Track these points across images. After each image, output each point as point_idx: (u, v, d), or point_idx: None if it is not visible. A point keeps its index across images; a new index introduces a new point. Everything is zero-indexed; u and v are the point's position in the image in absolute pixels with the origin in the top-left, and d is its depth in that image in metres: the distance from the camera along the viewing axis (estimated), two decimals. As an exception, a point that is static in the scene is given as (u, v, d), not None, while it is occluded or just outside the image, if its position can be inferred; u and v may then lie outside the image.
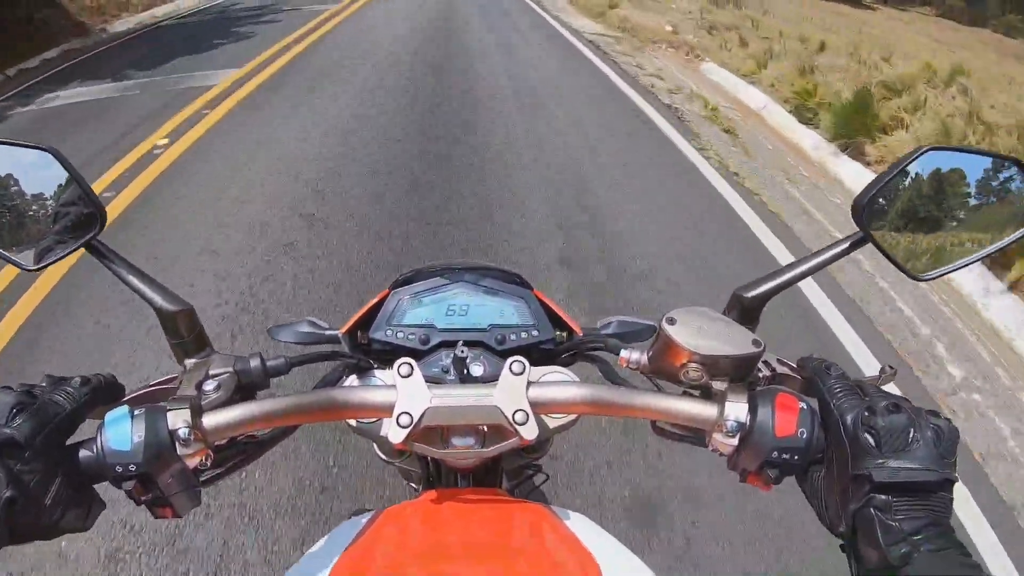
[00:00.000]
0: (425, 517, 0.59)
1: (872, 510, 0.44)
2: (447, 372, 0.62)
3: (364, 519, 0.62)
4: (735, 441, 0.51)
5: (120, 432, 0.48)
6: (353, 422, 0.59)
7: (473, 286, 0.69)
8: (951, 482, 0.45)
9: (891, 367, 0.58)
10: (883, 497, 0.44)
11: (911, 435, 0.45)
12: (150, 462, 0.48)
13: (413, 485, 0.82)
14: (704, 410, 0.52)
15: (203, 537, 1.75)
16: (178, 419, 0.49)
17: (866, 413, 0.47)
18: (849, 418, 0.47)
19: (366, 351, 0.68)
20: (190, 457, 0.50)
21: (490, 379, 0.61)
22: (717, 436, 0.52)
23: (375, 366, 0.63)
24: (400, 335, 0.66)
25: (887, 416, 0.46)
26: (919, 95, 5.25)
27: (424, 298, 0.68)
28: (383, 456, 0.70)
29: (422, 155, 4.40)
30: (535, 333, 0.67)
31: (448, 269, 0.70)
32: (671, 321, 0.53)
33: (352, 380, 0.61)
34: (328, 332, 0.71)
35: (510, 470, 0.77)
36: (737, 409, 0.51)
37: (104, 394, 0.54)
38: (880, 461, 0.44)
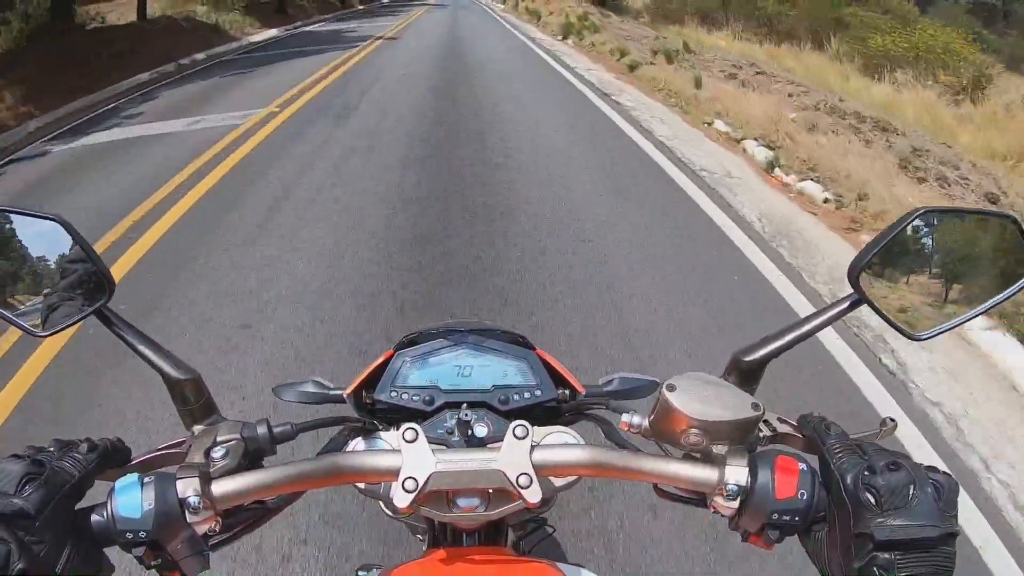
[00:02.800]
0: None
1: (876, 569, 0.45)
2: (452, 434, 0.62)
3: None
4: (736, 504, 0.52)
5: (130, 499, 0.49)
6: (360, 484, 0.60)
7: (476, 347, 0.69)
8: (953, 536, 0.45)
9: (891, 419, 0.58)
10: (886, 555, 0.44)
11: (911, 492, 0.46)
12: (160, 529, 0.49)
13: (420, 537, 0.83)
14: (705, 474, 0.53)
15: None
16: (188, 487, 0.50)
17: (866, 472, 0.47)
18: (849, 477, 0.48)
19: (371, 411, 0.68)
20: (199, 524, 0.51)
21: (494, 440, 0.61)
22: (718, 499, 0.52)
23: (380, 428, 0.63)
24: (405, 396, 0.66)
25: (887, 474, 0.46)
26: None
27: (428, 359, 0.69)
28: (389, 513, 0.70)
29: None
30: (538, 393, 0.67)
31: (451, 331, 0.71)
32: (671, 388, 0.54)
33: (358, 443, 0.62)
34: (333, 392, 0.71)
35: (515, 524, 0.77)
36: (737, 473, 0.51)
37: (112, 458, 0.54)
38: (881, 519, 0.45)
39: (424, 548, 0.74)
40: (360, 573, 0.78)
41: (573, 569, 0.64)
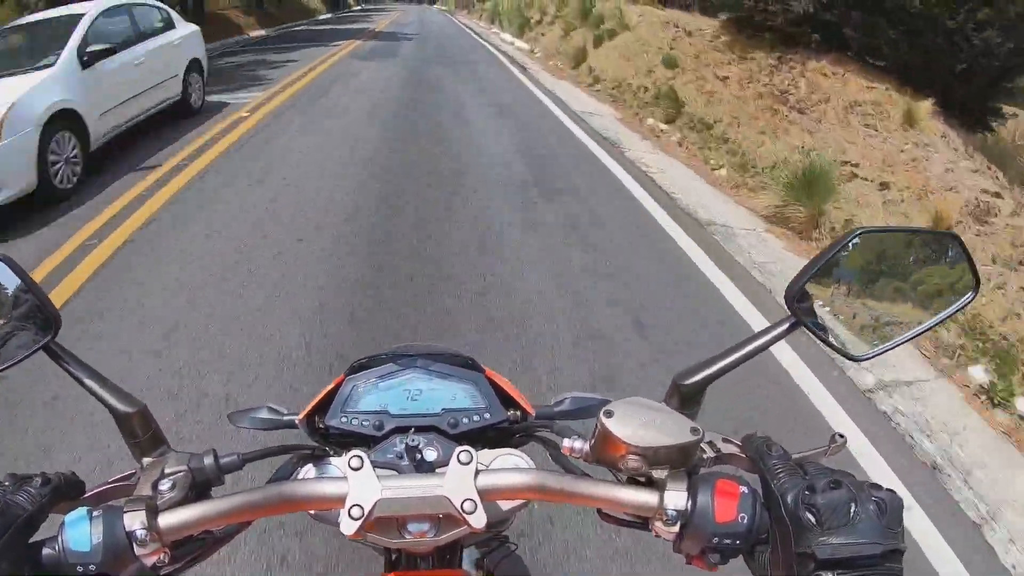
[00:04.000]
0: None
1: None
2: (401, 458, 0.63)
3: None
4: (676, 528, 0.52)
5: (80, 533, 0.50)
6: (311, 511, 0.60)
7: (425, 371, 0.70)
8: (899, 552, 0.45)
9: (841, 435, 0.58)
10: (828, 574, 0.45)
11: (852, 510, 0.46)
12: (109, 562, 0.50)
13: (380, 553, 0.83)
14: (644, 499, 0.53)
15: None
16: (135, 520, 0.51)
17: (806, 492, 0.47)
18: (790, 497, 0.48)
19: (325, 436, 0.69)
20: (147, 556, 0.51)
21: (444, 464, 0.61)
22: (659, 524, 0.53)
23: (331, 453, 0.64)
24: (355, 421, 0.67)
25: (827, 493, 0.47)
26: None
27: (378, 384, 0.69)
28: (346, 534, 0.71)
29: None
30: (487, 416, 0.67)
31: (401, 356, 0.71)
32: (608, 414, 0.54)
33: (308, 469, 0.62)
34: (286, 418, 0.72)
35: (476, 543, 0.78)
36: (676, 498, 0.52)
37: (65, 492, 0.55)
38: (822, 538, 0.45)
39: (380, 571, 0.74)
40: None
41: None
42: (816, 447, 0.58)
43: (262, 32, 19.94)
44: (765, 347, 0.58)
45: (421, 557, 0.66)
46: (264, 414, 0.73)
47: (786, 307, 0.57)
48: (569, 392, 0.75)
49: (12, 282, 0.58)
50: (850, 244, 0.56)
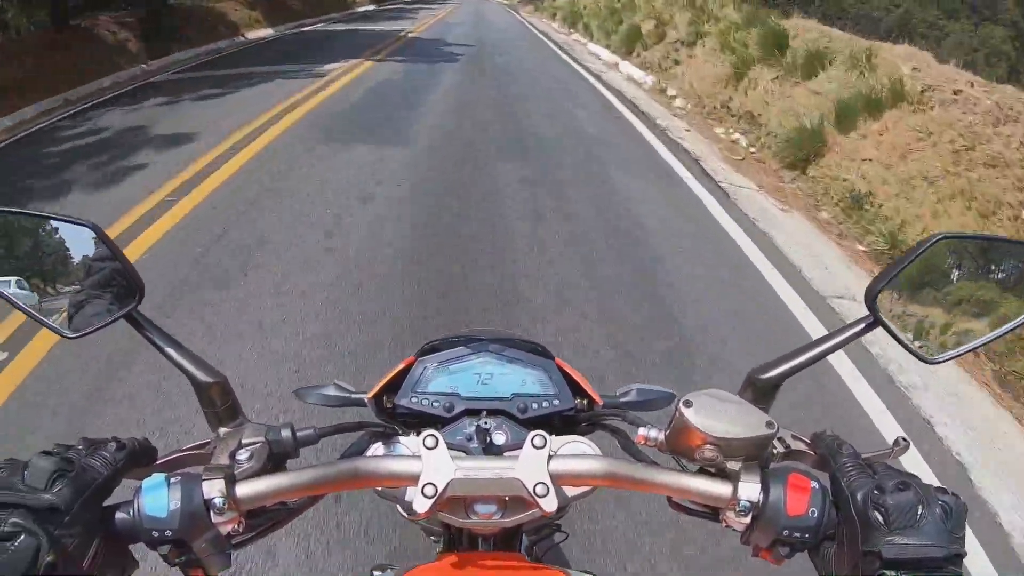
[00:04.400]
0: None
1: None
2: (470, 440, 0.64)
3: None
4: (747, 520, 0.53)
5: (157, 499, 0.51)
6: (379, 487, 0.61)
7: (497, 356, 0.70)
8: (960, 557, 0.46)
9: (904, 439, 0.59)
10: (892, 573, 0.46)
11: (919, 512, 0.47)
12: (185, 529, 0.50)
13: (434, 539, 0.84)
14: (718, 489, 0.54)
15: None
16: (213, 488, 0.51)
17: (875, 491, 0.48)
18: (859, 496, 0.49)
19: (391, 415, 0.70)
20: (223, 524, 0.52)
21: (512, 448, 0.62)
22: (730, 514, 0.54)
23: (401, 432, 0.65)
24: (425, 402, 0.67)
25: (896, 494, 0.48)
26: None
27: (449, 366, 0.70)
28: (405, 515, 0.72)
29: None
30: (556, 402, 0.68)
31: (473, 339, 0.72)
32: (687, 404, 0.55)
33: (377, 447, 0.63)
34: (355, 396, 0.72)
35: (530, 529, 0.79)
36: (749, 489, 0.53)
37: (138, 457, 0.56)
38: (889, 538, 0.46)
39: (438, 551, 0.75)
40: (375, 573, 0.80)
41: None
42: (880, 449, 0.58)
43: (263, 33, 14.57)
44: (841, 345, 0.59)
45: (483, 539, 0.67)
46: (332, 391, 0.74)
47: (865, 307, 0.57)
48: (634, 383, 0.75)
49: (98, 249, 0.59)
50: (930, 248, 0.56)
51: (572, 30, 16.37)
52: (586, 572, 0.66)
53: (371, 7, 25.60)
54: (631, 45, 11.08)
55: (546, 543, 0.86)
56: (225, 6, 14.64)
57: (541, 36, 16.22)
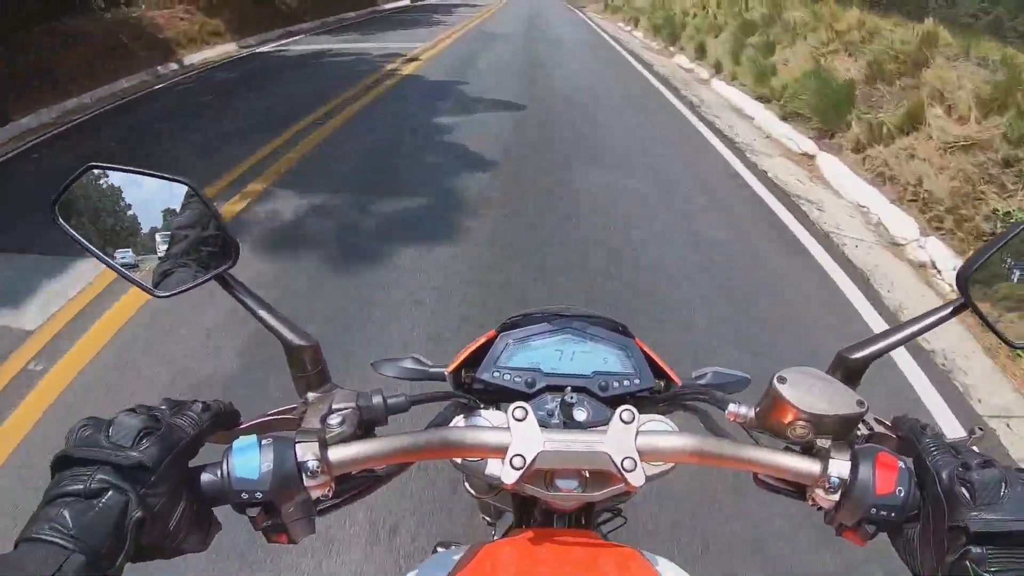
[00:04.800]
0: (522, 555, 0.61)
1: (968, 563, 0.46)
2: (552, 416, 0.64)
3: (455, 555, 0.64)
4: (836, 497, 0.53)
5: (248, 460, 0.50)
6: (458, 459, 0.61)
7: (579, 333, 0.71)
8: None
9: (980, 429, 0.59)
10: (978, 550, 0.46)
11: (1003, 489, 0.47)
12: (276, 491, 0.50)
13: (488, 519, 0.84)
14: (808, 466, 0.54)
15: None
16: (307, 451, 0.51)
17: (961, 468, 0.49)
18: (945, 473, 0.50)
19: (469, 390, 0.70)
20: (315, 488, 0.52)
21: (593, 424, 0.63)
22: (818, 492, 0.54)
23: (482, 406, 0.65)
24: (507, 377, 0.67)
25: (981, 471, 0.48)
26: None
27: (530, 342, 0.70)
28: (472, 491, 0.72)
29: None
30: (636, 381, 0.68)
31: (555, 315, 0.72)
32: (782, 380, 0.55)
33: (459, 420, 0.63)
34: (432, 369, 0.73)
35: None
36: (840, 466, 0.53)
37: (223, 420, 0.55)
38: (975, 513, 0.47)
39: (493, 533, 0.75)
40: (440, 548, 0.79)
41: (653, 558, 0.65)
42: (957, 437, 0.59)
43: (215, 53, 10.53)
44: (931, 327, 0.59)
45: (557, 516, 0.67)
46: (409, 364, 0.74)
47: (956, 289, 0.58)
48: (711, 367, 0.76)
49: (195, 208, 0.59)
50: (1020, 235, 0.57)
51: (662, 42, 12.34)
52: (655, 554, 0.66)
53: (402, 2, 21.58)
54: (826, 116, 5.62)
55: (606, 527, 0.86)
56: (163, 16, 10.62)
57: (629, 58, 11.08)
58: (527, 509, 0.71)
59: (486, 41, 12.71)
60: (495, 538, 0.71)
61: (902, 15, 7.32)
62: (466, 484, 0.71)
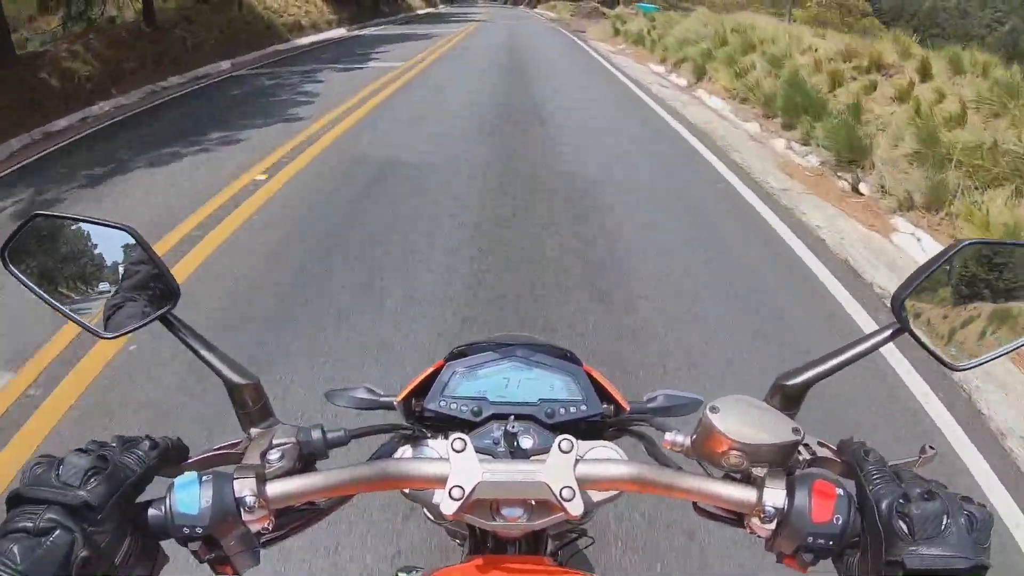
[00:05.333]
0: None
1: None
2: (498, 444, 0.64)
3: None
4: (772, 526, 0.53)
5: (189, 496, 0.51)
6: (407, 489, 0.62)
7: (525, 361, 0.71)
8: (984, 568, 0.46)
9: (931, 447, 0.59)
10: None
11: (944, 522, 0.46)
12: (216, 526, 0.51)
13: (459, 542, 0.85)
14: (743, 495, 0.54)
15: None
16: (244, 487, 0.52)
17: (901, 500, 0.48)
18: (884, 504, 0.49)
19: (420, 419, 0.70)
20: (253, 522, 0.53)
21: (539, 452, 0.63)
22: (755, 520, 0.54)
23: (429, 436, 0.65)
24: (454, 406, 0.68)
25: (921, 503, 0.47)
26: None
27: (477, 371, 0.71)
28: (431, 518, 0.72)
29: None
30: (583, 408, 0.69)
31: (501, 344, 0.73)
32: (714, 410, 0.55)
33: (406, 450, 0.64)
34: (383, 399, 0.73)
35: (555, 534, 0.79)
36: (774, 495, 0.53)
37: (170, 456, 0.57)
38: (913, 548, 0.46)
39: (464, 554, 0.76)
40: (401, 574, 0.80)
41: None
42: (908, 457, 0.58)
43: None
44: (868, 352, 0.59)
45: (509, 542, 0.67)
46: (361, 394, 0.75)
47: (892, 313, 0.57)
48: (662, 389, 0.76)
49: (136, 253, 0.61)
50: (955, 254, 0.56)
51: (679, 74, 10.03)
52: None
53: (338, 32, 18.44)
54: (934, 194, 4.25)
55: (571, 548, 0.87)
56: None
57: (653, 106, 8.31)
58: (481, 535, 0.72)
59: (458, 67, 9.67)
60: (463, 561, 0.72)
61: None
62: (424, 511, 0.72)
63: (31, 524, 0.45)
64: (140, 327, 0.61)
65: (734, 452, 0.55)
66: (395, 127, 6.84)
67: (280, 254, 3.82)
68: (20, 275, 0.60)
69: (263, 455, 0.57)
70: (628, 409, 0.71)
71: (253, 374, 0.61)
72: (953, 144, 4.69)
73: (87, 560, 0.46)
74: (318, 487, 0.55)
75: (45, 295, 0.61)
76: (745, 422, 0.55)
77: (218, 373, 0.61)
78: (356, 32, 19.23)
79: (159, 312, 0.61)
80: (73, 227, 0.61)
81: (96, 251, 0.61)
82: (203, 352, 0.61)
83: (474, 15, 29.64)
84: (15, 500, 0.47)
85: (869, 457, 0.54)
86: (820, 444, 0.60)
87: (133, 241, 0.60)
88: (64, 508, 0.46)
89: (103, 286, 0.62)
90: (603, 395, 0.71)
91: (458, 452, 0.55)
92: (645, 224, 4.36)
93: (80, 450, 0.50)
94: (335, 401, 0.75)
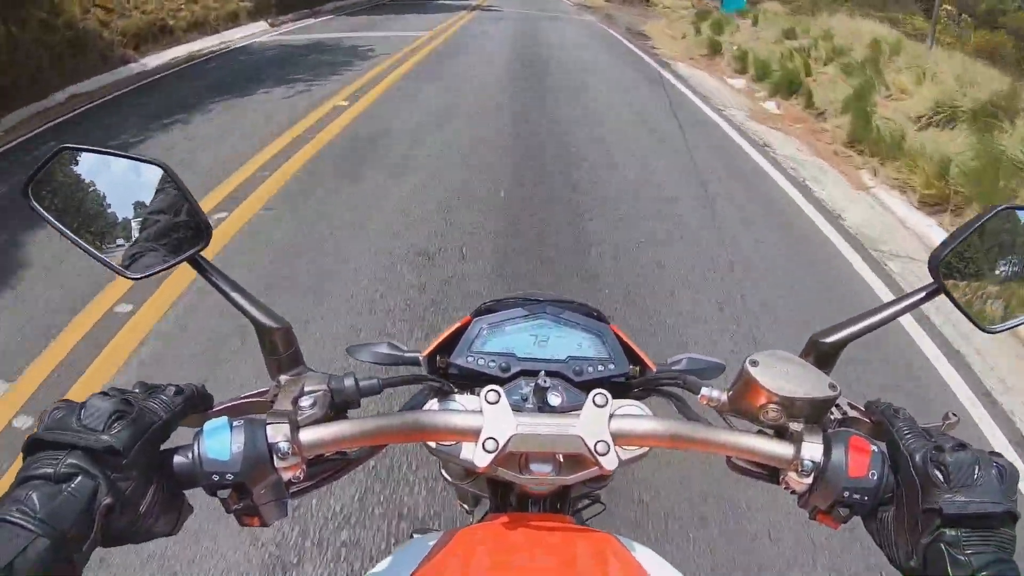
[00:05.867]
0: (497, 539, 0.61)
1: (942, 545, 0.46)
2: (526, 400, 0.64)
3: (430, 540, 0.64)
4: (809, 480, 0.53)
5: (220, 442, 0.50)
6: (433, 444, 0.61)
7: (554, 318, 0.71)
8: (1015, 517, 0.47)
9: (954, 414, 0.60)
10: (952, 532, 0.46)
11: (976, 471, 0.48)
12: (247, 473, 0.50)
13: (466, 507, 0.84)
14: (781, 449, 0.54)
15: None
16: (278, 433, 0.51)
17: (934, 451, 0.49)
18: (918, 456, 0.50)
19: (444, 375, 0.70)
20: (286, 470, 0.52)
21: (567, 409, 0.63)
22: (792, 475, 0.54)
23: (456, 391, 0.65)
24: (481, 362, 0.67)
25: (954, 453, 0.48)
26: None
27: (505, 327, 0.70)
28: (448, 477, 0.72)
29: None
30: (611, 367, 0.69)
31: (530, 300, 0.72)
32: (754, 363, 0.55)
33: (434, 404, 0.63)
34: (408, 354, 0.73)
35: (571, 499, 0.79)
36: (812, 449, 0.53)
37: (196, 403, 0.55)
38: (949, 495, 0.47)
39: (471, 520, 0.75)
40: (416, 535, 0.79)
41: (629, 543, 0.65)
42: (931, 422, 0.59)
43: None
44: (904, 311, 0.60)
45: (532, 501, 0.67)
46: (385, 349, 0.74)
47: (929, 274, 0.58)
48: (685, 353, 0.76)
49: (168, 190, 0.59)
50: (992, 218, 0.57)
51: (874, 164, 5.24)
52: (631, 540, 0.66)
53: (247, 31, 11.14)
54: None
55: (585, 513, 0.86)
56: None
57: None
58: (503, 494, 0.71)
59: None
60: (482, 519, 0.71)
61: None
62: (443, 470, 0.71)
63: (51, 470, 0.43)
64: (168, 268, 0.60)
65: (772, 406, 0.55)
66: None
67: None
68: (43, 211, 0.58)
69: (295, 402, 0.56)
70: (654, 369, 0.71)
71: (284, 319, 0.60)
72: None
73: (110, 508, 0.44)
74: (353, 435, 0.54)
75: (69, 232, 0.59)
76: (784, 376, 0.55)
77: (249, 316, 0.59)
78: (274, 36, 10.99)
79: (189, 252, 0.59)
80: (102, 161, 0.59)
81: (125, 187, 0.59)
82: (233, 295, 0.60)
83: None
84: (34, 445, 0.45)
85: (899, 415, 0.55)
86: (851, 405, 0.60)
87: (165, 176, 0.58)
88: (87, 453, 0.44)
89: (132, 224, 0.60)
90: (630, 356, 0.71)
91: (492, 404, 0.55)
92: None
93: (103, 393, 0.48)
94: (358, 356, 0.74)
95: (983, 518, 0.46)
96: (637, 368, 0.71)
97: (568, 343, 0.69)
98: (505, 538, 0.61)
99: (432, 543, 0.63)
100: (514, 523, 0.62)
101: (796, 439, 0.54)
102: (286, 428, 0.51)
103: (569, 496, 0.72)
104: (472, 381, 0.67)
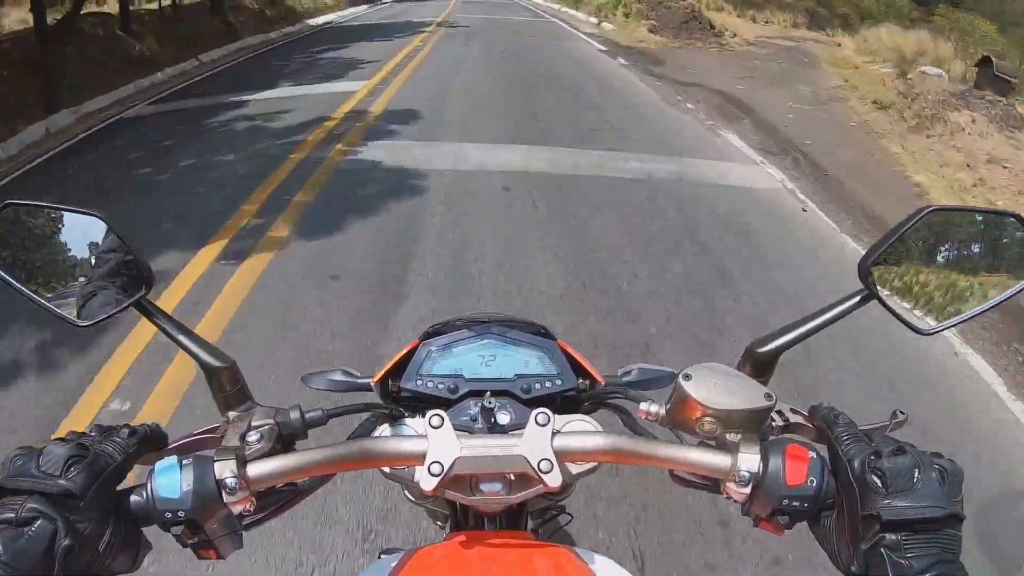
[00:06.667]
0: (453, 560, 0.62)
1: (883, 550, 0.47)
2: (475, 420, 0.65)
3: (393, 561, 0.65)
4: (747, 490, 0.54)
5: (170, 481, 0.51)
6: (387, 468, 0.62)
7: (500, 337, 0.72)
8: (958, 518, 0.47)
9: (901, 412, 0.60)
10: (892, 536, 0.47)
11: (916, 475, 0.48)
12: (198, 509, 0.51)
13: (440, 524, 0.85)
14: (718, 461, 0.55)
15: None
16: (225, 469, 0.52)
17: (872, 456, 0.49)
18: (857, 462, 0.50)
19: (396, 399, 0.71)
20: (235, 504, 0.53)
21: (517, 427, 0.64)
22: (731, 485, 0.54)
23: (406, 415, 0.66)
24: (430, 385, 0.69)
25: (892, 458, 0.49)
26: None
27: (452, 349, 0.71)
28: (412, 498, 0.73)
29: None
30: (559, 382, 0.69)
31: (476, 322, 0.73)
32: (687, 377, 0.56)
33: (384, 429, 0.64)
34: (360, 380, 0.74)
35: (535, 511, 0.80)
36: (749, 460, 0.53)
37: (150, 442, 0.57)
38: (887, 501, 0.47)
39: (445, 533, 0.76)
40: (383, 556, 0.80)
41: (589, 555, 0.66)
42: (878, 422, 0.59)
43: None
44: (837, 318, 0.60)
45: (489, 519, 0.68)
46: (338, 376, 0.75)
47: (859, 280, 0.58)
48: (636, 363, 0.77)
49: (108, 239, 0.60)
50: (919, 220, 0.57)
51: None
52: (593, 552, 0.67)
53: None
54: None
55: (551, 525, 0.87)
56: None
57: None
58: (462, 512, 0.72)
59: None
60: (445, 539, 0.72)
61: None
62: (405, 492, 0.72)
63: (13, 515, 0.45)
64: (115, 314, 0.61)
65: (708, 419, 0.56)
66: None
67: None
68: None
69: (242, 437, 0.57)
70: (602, 382, 0.72)
71: (229, 356, 0.61)
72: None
73: (70, 549, 0.46)
74: (298, 466, 0.55)
75: (19, 285, 0.60)
76: (718, 389, 0.56)
77: (194, 357, 0.61)
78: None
79: (133, 298, 0.60)
80: (43, 215, 0.61)
81: (70, 238, 0.61)
82: (179, 336, 0.61)
83: (423, 25, 14.87)
84: None
85: (839, 420, 0.56)
86: (792, 411, 0.61)
87: (106, 227, 0.60)
88: (45, 497, 0.46)
89: (77, 274, 0.62)
90: (578, 370, 0.72)
91: (436, 428, 0.56)
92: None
93: (59, 439, 0.50)
94: (312, 384, 0.75)
95: (923, 522, 0.46)
96: (586, 381, 0.72)
97: (515, 361, 0.70)
98: (462, 557, 0.62)
99: (394, 564, 0.64)
100: (471, 542, 0.63)
101: (733, 450, 0.54)
102: (233, 464, 0.53)
103: (526, 512, 0.73)
104: (424, 404, 0.68)
